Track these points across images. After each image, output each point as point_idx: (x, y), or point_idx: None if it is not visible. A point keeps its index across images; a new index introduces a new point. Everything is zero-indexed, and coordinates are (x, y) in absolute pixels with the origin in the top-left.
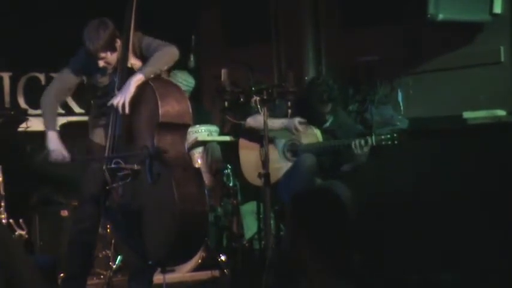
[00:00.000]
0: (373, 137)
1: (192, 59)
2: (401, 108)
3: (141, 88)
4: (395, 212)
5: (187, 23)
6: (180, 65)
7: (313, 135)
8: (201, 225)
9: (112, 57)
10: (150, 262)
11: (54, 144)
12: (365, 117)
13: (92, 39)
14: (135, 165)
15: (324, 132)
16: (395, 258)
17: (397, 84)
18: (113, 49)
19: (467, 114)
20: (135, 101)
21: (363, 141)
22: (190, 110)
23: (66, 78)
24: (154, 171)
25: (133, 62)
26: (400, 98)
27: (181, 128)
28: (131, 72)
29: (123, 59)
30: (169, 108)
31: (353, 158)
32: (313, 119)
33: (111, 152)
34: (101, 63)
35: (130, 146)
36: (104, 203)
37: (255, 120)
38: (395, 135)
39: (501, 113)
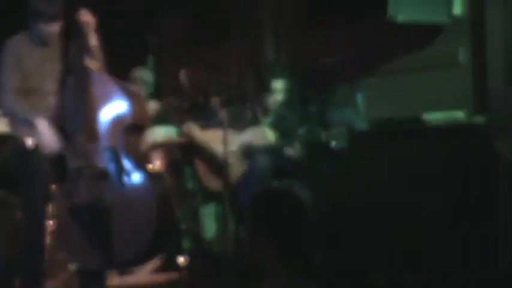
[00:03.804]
0: (322, 134)
1: (150, 59)
2: (362, 109)
3: (107, 87)
4: (355, 212)
5: (148, 22)
6: (141, 64)
7: (264, 136)
8: (171, 228)
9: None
10: (115, 264)
11: (47, 132)
12: (324, 119)
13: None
14: (100, 165)
15: (270, 128)
16: (358, 259)
17: (357, 85)
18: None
19: (426, 116)
20: (100, 99)
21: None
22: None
23: (14, 78)
24: (123, 173)
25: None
26: (360, 100)
27: (144, 130)
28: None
29: (79, 55)
30: (137, 109)
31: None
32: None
33: (73, 154)
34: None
35: (92, 146)
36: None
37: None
38: (343, 129)
39: (460, 114)
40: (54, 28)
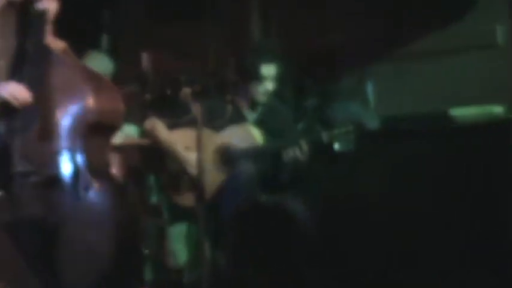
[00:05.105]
0: (323, 134)
1: (105, 39)
2: (372, 103)
3: (70, 74)
4: (363, 224)
5: None
6: (93, 46)
7: (249, 136)
8: (135, 254)
9: None
10: None
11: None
12: (325, 115)
13: None
14: (52, 171)
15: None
16: (360, 274)
17: (366, 73)
18: None
19: (455, 111)
20: (60, 88)
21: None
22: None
23: None
24: (83, 183)
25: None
26: (370, 91)
27: (111, 131)
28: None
29: (38, 33)
30: (107, 105)
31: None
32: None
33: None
34: None
35: (46, 146)
36: None
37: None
38: (350, 128)
39: (497, 109)
40: None
